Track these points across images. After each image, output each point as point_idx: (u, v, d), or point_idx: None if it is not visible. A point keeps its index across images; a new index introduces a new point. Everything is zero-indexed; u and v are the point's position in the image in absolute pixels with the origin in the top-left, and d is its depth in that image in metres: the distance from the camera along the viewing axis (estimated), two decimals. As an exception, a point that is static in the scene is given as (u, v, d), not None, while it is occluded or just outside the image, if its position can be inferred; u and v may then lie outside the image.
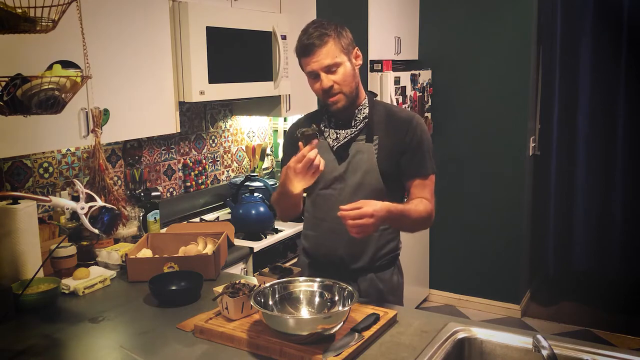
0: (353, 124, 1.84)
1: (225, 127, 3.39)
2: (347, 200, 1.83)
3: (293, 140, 1.98)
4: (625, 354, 1.42)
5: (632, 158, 3.94)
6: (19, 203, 1.89)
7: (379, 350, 1.45)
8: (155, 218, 2.66)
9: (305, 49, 1.76)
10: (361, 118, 1.84)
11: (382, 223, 1.67)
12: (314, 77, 1.79)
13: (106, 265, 2.16)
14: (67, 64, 1.62)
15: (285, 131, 3.69)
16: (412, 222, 1.79)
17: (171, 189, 3.06)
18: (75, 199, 1.69)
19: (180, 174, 3.11)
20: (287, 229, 2.89)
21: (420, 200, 1.82)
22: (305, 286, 1.59)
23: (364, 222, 1.57)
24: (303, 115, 2.06)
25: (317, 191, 1.89)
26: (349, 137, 1.84)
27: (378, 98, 3.20)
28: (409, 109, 3.88)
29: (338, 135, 1.85)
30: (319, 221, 1.91)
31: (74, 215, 1.99)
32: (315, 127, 1.64)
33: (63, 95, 1.53)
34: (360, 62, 1.85)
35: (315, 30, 1.75)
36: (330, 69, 1.75)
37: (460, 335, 1.56)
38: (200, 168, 3.20)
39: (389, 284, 1.93)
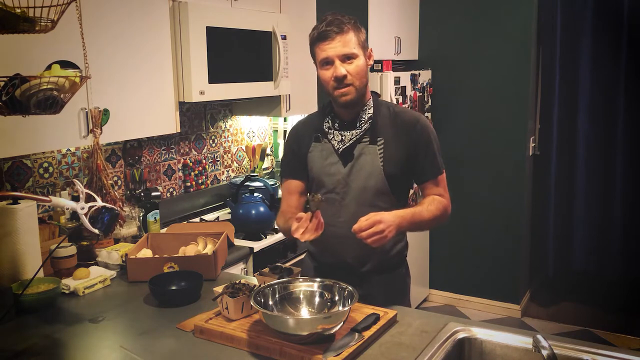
0: (358, 125, 1.80)
1: (225, 127, 3.39)
2: (352, 204, 1.79)
3: (293, 142, 1.97)
4: (625, 354, 1.42)
5: (632, 158, 3.93)
6: (19, 203, 1.89)
7: (379, 350, 1.45)
8: (155, 218, 2.66)
9: (322, 34, 1.70)
10: (366, 118, 1.79)
11: (397, 232, 1.66)
12: (326, 64, 1.73)
13: (106, 265, 2.16)
14: (66, 64, 1.62)
15: (285, 131, 3.70)
16: (426, 222, 1.77)
17: (171, 189, 3.06)
18: (75, 199, 1.70)
19: (180, 174, 3.11)
20: (287, 229, 2.89)
21: (433, 198, 1.80)
22: (305, 286, 1.59)
23: (379, 237, 1.57)
24: (304, 116, 2.04)
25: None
26: (355, 138, 1.79)
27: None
28: (409, 109, 3.87)
29: (343, 138, 1.80)
30: (325, 226, 1.89)
31: (74, 215, 1.99)
32: (321, 196, 1.63)
33: (62, 96, 1.53)
34: (371, 62, 1.80)
35: (335, 18, 1.71)
36: (345, 59, 1.70)
37: (460, 335, 1.56)
38: (200, 168, 3.20)
39: (397, 286, 1.91)
